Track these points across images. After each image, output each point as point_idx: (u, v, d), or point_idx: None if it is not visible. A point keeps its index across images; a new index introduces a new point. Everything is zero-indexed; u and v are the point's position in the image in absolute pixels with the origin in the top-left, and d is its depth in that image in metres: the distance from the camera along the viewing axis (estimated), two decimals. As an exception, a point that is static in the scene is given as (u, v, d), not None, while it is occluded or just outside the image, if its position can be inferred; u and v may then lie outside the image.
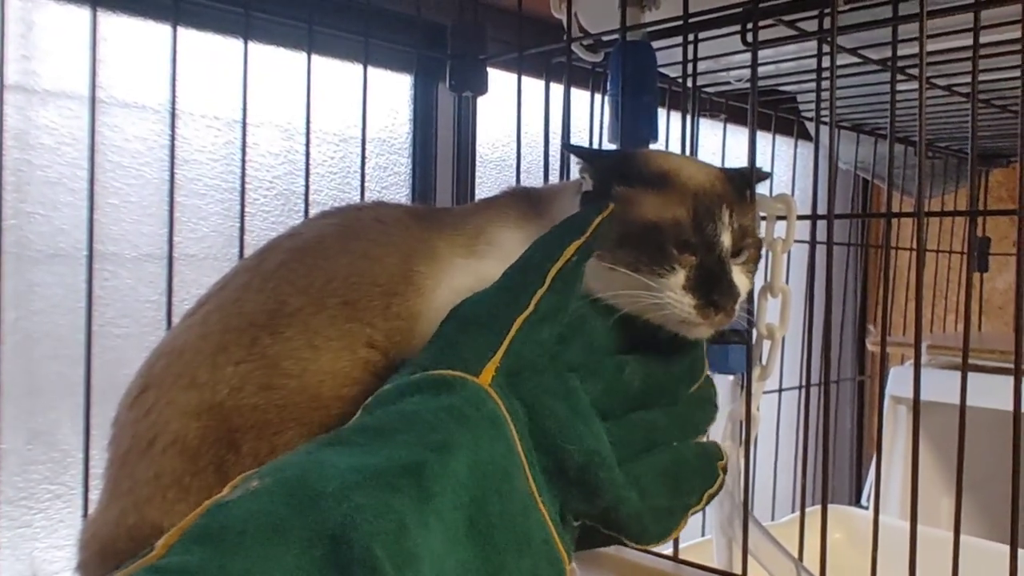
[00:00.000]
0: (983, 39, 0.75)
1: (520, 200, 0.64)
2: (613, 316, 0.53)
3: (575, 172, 0.64)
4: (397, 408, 0.44)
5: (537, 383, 0.47)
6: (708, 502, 0.53)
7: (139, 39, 1.03)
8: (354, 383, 0.54)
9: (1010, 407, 0.66)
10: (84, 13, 0.88)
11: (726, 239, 0.56)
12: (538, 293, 0.49)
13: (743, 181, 0.63)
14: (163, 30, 0.92)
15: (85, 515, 0.80)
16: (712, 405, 0.57)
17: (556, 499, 0.46)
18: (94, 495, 0.78)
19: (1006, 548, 0.68)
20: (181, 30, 0.88)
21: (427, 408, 0.43)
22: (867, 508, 1.59)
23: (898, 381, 1.56)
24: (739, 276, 0.58)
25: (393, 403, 0.45)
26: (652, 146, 0.88)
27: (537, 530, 0.44)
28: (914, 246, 0.69)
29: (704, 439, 0.57)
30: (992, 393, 0.85)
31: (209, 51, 1.07)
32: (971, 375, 0.72)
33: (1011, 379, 0.65)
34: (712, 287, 0.55)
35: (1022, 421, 0.65)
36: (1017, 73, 0.92)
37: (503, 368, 0.46)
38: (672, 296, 0.54)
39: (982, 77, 1.08)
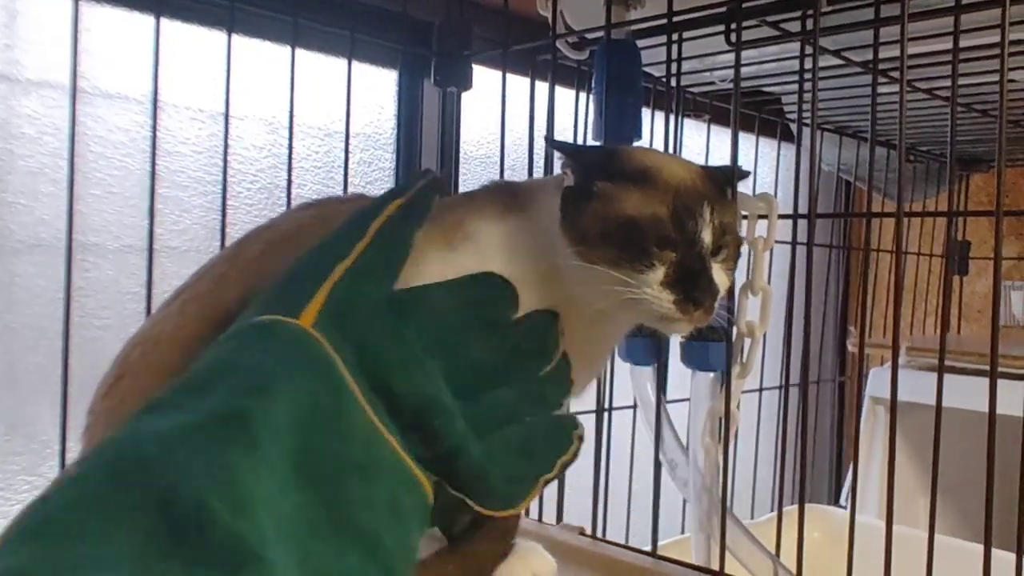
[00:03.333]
0: (964, 43, 0.75)
1: (500, 194, 0.65)
2: (462, 293, 0.54)
3: (559, 169, 0.64)
4: (214, 359, 0.44)
5: (364, 326, 0.47)
6: (562, 471, 0.53)
7: (123, 30, 1.02)
8: None
9: (986, 408, 0.66)
10: (67, 3, 0.87)
11: (706, 236, 0.57)
12: (358, 245, 0.49)
13: (724, 179, 0.63)
14: (147, 21, 0.92)
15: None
16: (565, 381, 0.57)
17: (403, 442, 0.46)
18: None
19: (980, 548, 0.68)
20: (165, 21, 0.88)
21: (244, 355, 0.43)
22: (846, 508, 1.60)
23: (877, 382, 1.57)
24: (719, 273, 0.58)
25: (212, 353, 0.45)
26: (636, 145, 0.88)
27: (386, 459, 0.44)
28: (894, 248, 0.70)
29: (562, 412, 0.57)
30: (970, 395, 0.86)
31: (193, 43, 1.07)
32: (949, 377, 0.73)
33: (988, 381, 0.65)
34: (691, 283, 0.55)
35: (996, 423, 0.66)
36: (997, 78, 0.93)
37: (326, 312, 0.46)
38: (650, 292, 0.55)
39: (964, 81, 1.09)
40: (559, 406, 0.57)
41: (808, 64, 0.75)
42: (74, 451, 0.79)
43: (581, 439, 0.55)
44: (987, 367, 0.65)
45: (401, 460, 0.45)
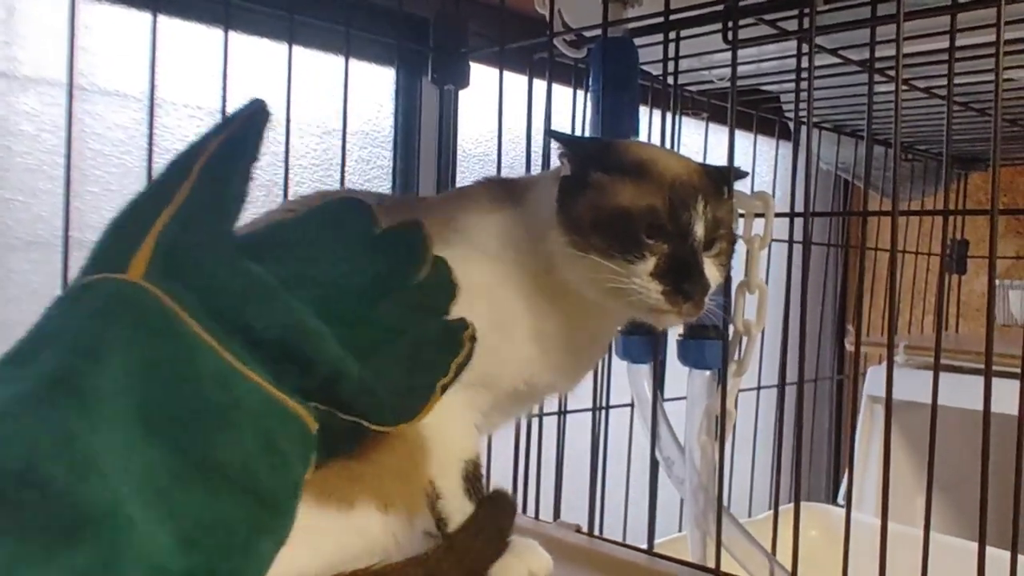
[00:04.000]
0: (960, 42, 0.75)
1: (494, 188, 0.65)
2: (316, 222, 0.53)
3: (556, 166, 0.64)
4: (39, 326, 0.42)
5: (204, 269, 0.46)
6: (458, 372, 0.53)
7: (120, 27, 1.02)
8: None
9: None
10: (65, 0, 0.87)
11: (699, 229, 0.57)
12: (183, 187, 0.47)
13: (721, 177, 0.63)
14: (144, 18, 0.91)
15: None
16: (448, 283, 0.56)
17: (271, 376, 0.45)
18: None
19: (976, 546, 0.68)
20: (162, 19, 0.87)
21: (70, 317, 0.42)
22: (843, 506, 1.60)
23: (876, 380, 1.57)
24: (711, 268, 0.58)
25: (40, 321, 0.43)
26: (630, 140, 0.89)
27: (250, 396, 0.43)
28: (891, 246, 0.70)
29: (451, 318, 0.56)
30: (968, 394, 0.86)
31: (190, 40, 1.07)
32: (947, 376, 0.73)
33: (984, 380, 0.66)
34: (682, 275, 0.55)
35: (992, 422, 0.66)
36: (994, 76, 0.93)
37: (157, 260, 0.44)
38: (639, 282, 0.55)
39: (961, 80, 1.09)
40: (446, 310, 0.55)
41: (805, 63, 0.75)
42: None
43: (473, 339, 0.54)
44: (984, 365, 0.65)
45: (267, 393, 0.44)
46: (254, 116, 0.51)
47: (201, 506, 0.39)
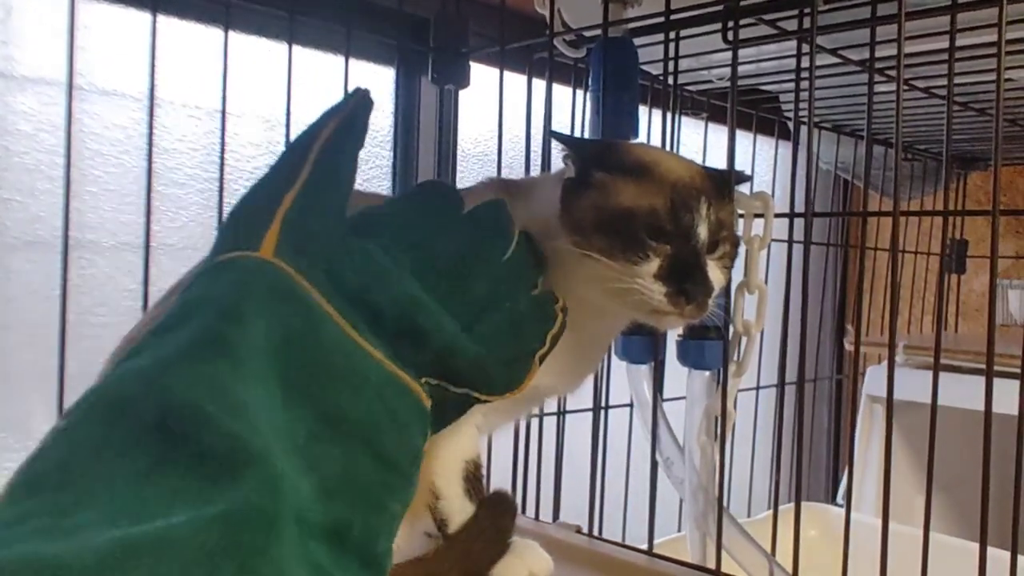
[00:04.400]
0: (961, 42, 0.75)
1: (497, 189, 0.65)
2: (412, 203, 0.54)
3: (556, 167, 0.64)
4: (180, 300, 0.44)
5: (326, 247, 0.48)
6: (553, 344, 0.55)
7: (119, 26, 1.02)
8: None
9: (983, 407, 0.66)
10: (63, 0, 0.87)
11: (702, 231, 0.57)
12: (304, 169, 0.49)
13: (723, 179, 0.63)
14: (143, 18, 0.91)
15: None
16: (532, 257, 0.57)
17: (388, 348, 0.47)
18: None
19: (976, 546, 0.68)
20: (161, 18, 0.87)
21: (209, 290, 0.43)
22: (842, 506, 1.60)
23: (875, 380, 1.57)
24: (714, 270, 0.58)
25: (179, 295, 0.45)
26: (633, 142, 0.88)
27: (371, 370, 0.45)
28: (891, 246, 0.70)
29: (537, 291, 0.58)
30: (967, 394, 0.86)
31: (190, 40, 1.06)
32: (946, 376, 0.73)
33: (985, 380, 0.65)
34: (685, 277, 0.55)
35: (992, 422, 0.66)
36: (994, 76, 0.93)
37: (284, 240, 0.46)
38: (642, 283, 0.55)
39: (961, 80, 1.09)
40: (535, 283, 0.57)
41: (805, 62, 0.75)
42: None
43: (564, 310, 0.56)
44: (983, 365, 0.65)
45: (388, 370, 0.46)
46: (361, 102, 0.53)
47: (337, 462, 0.41)
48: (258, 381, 0.39)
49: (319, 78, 1.17)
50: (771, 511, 0.84)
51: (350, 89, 0.95)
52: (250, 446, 0.35)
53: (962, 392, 0.83)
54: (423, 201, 0.56)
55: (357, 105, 0.53)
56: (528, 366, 0.54)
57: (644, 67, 0.97)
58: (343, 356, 0.44)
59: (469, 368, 0.50)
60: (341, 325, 0.45)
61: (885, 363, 1.70)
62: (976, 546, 0.66)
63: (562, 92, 1.03)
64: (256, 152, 1.16)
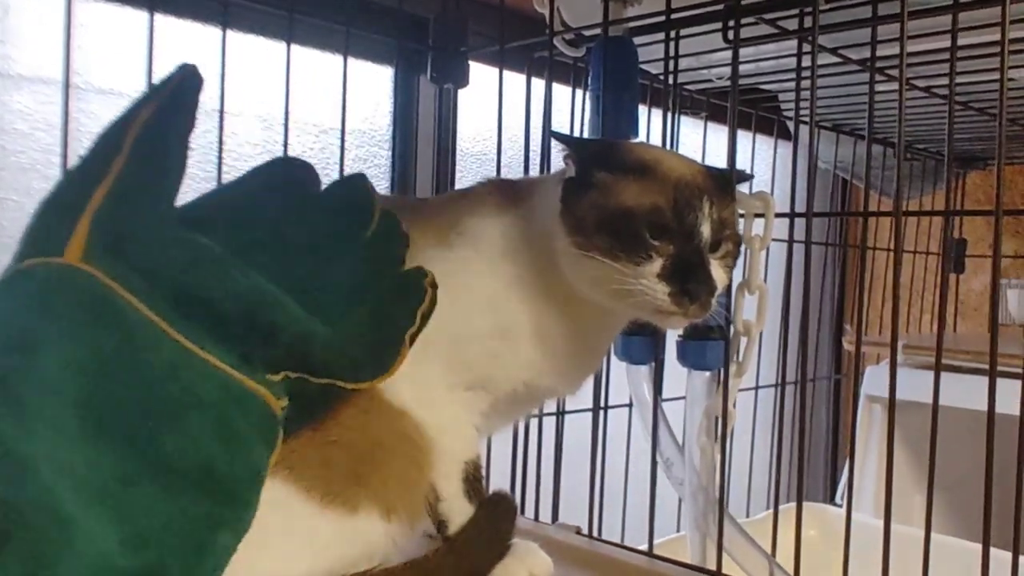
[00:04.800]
0: (962, 41, 0.75)
1: (497, 190, 0.64)
2: (258, 181, 0.51)
3: (556, 166, 0.64)
4: None
5: (146, 244, 0.43)
6: (424, 321, 0.51)
7: (116, 25, 1.01)
8: None
9: (983, 407, 0.66)
10: (60, -2, 0.86)
11: (705, 230, 0.56)
12: (116, 161, 0.44)
13: (725, 179, 0.63)
14: (140, 16, 0.91)
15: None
16: (398, 234, 0.54)
17: (233, 350, 0.43)
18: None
19: (977, 546, 0.68)
20: (158, 17, 0.87)
21: (7, 309, 0.39)
22: (841, 506, 1.60)
23: (873, 380, 1.57)
24: (717, 270, 0.58)
25: None
26: (633, 141, 0.88)
27: (203, 381, 0.41)
28: (891, 246, 0.70)
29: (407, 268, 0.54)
30: (966, 393, 0.85)
31: (187, 39, 1.06)
32: (945, 376, 0.73)
33: (984, 379, 0.65)
34: (688, 276, 0.55)
35: (995, 422, 0.65)
36: (995, 76, 0.92)
37: (95, 241, 0.42)
38: (646, 283, 0.54)
39: (961, 80, 1.08)
40: (401, 261, 0.54)
41: (806, 62, 0.75)
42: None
43: (434, 285, 0.52)
44: (983, 365, 0.65)
45: (227, 377, 0.41)
46: (185, 81, 0.49)
47: (151, 504, 0.37)
48: (51, 423, 0.35)
49: (318, 77, 1.16)
50: (770, 511, 0.84)
51: (349, 89, 0.96)
52: (24, 509, 0.32)
53: (961, 392, 0.83)
54: (268, 181, 0.52)
55: (180, 84, 0.48)
56: (398, 348, 0.49)
57: (644, 66, 0.97)
58: (164, 370, 0.40)
59: (327, 356, 0.46)
60: (165, 332, 0.41)
61: (884, 363, 1.70)
62: (973, 546, 0.66)
63: (562, 91, 1.02)
64: (254, 152, 1.16)
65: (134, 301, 0.41)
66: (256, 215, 0.49)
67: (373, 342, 0.48)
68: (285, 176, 0.52)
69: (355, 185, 0.53)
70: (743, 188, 0.71)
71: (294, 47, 0.91)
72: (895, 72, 0.67)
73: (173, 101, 0.48)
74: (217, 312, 0.43)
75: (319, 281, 0.49)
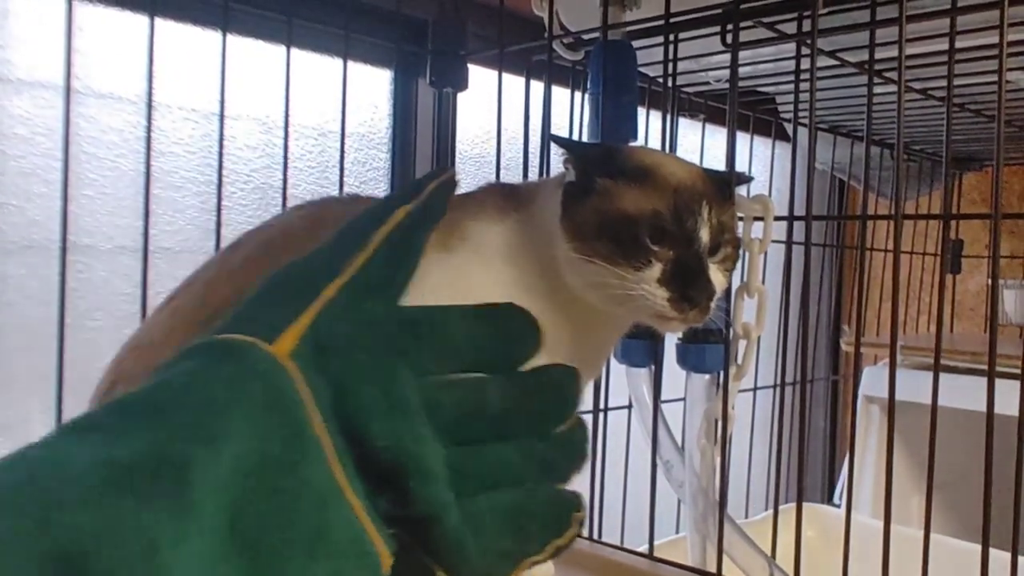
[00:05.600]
0: (959, 44, 0.75)
1: (498, 195, 0.64)
2: (486, 324, 0.47)
3: (555, 170, 0.64)
4: (166, 377, 0.37)
5: (349, 362, 0.40)
6: (554, 554, 0.45)
7: (116, 29, 1.01)
8: None
9: (980, 407, 0.66)
10: (60, 2, 0.86)
11: (704, 235, 0.57)
12: (358, 259, 0.42)
13: (723, 182, 0.63)
14: (140, 21, 0.91)
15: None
16: (580, 451, 0.48)
17: (361, 488, 0.40)
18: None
19: (976, 547, 0.69)
20: (159, 21, 0.87)
21: (201, 380, 0.37)
22: (839, 506, 1.61)
23: (871, 381, 1.58)
24: (716, 274, 0.58)
25: (165, 371, 0.38)
26: (632, 145, 0.88)
27: (340, 526, 0.38)
28: (889, 247, 0.70)
29: (564, 487, 0.48)
30: (963, 394, 0.86)
31: (187, 43, 1.06)
32: (942, 376, 0.73)
33: (981, 380, 0.66)
34: (688, 282, 0.55)
35: (995, 422, 0.66)
36: (993, 78, 0.93)
37: (309, 338, 0.39)
38: (646, 289, 0.54)
39: (957, 82, 1.09)
40: (566, 479, 0.49)
41: (804, 64, 0.75)
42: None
43: (581, 523, 0.47)
44: (980, 366, 0.65)
45: (358, 527, 0.39)
46: (442, 187, 0.47)
47: None
48: (202, 530, 0.33)
49: (317, 81, 1.17)
50: (769, 512, 0.84)
51: (348, 93, 0.96)
52: None
53: (957, 392, 0.83)
54: (498, 326, 0.47)
55: (440, 186, 0.47)
56: (513, 568, 0.44)
57: (642, 69, 0.97)
58: (314, 503, 0.37)
59: (446, 545, 0.42)
60: (327, 461, 0.38)
61: (881, 363, 1.70)
62: (971, 546, 0.67)
63: (561, 95, 1.02)
64: (253, 155, 1.16)
65: (315, 418, 0.38)
66: (465, 355, 0.45)
67: (496, 551, 0.44)
68: (510, 330, 0.48)
69: (569, 375, 0.48)
70: (742, 190, 0.72)
71: (294, 51, 0.91)
72: (893, 75, 0.67)
73: (427, 205, 0.46)
74: (371, 456, 0.40)
75: (484, 451, 0.44)
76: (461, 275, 0.57)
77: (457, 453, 0.43)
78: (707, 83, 1.23)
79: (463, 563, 0.42)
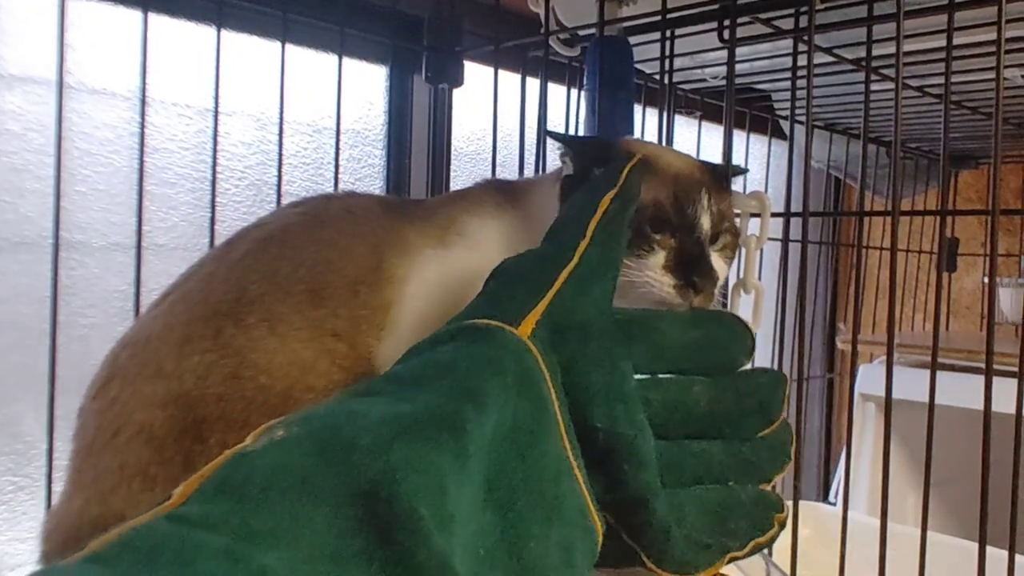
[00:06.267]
0: (956, 40, 0.75)
1: (495, 191, 0.64)
2: (697, 330, 0.49)
3: (551, 166, 0.63)
4: (430, 355, 0.41)
5: (580, 346, 0.44)
6: (753, 552, 0.47)
7: (109, 25, 1.01)
8: (320, 375, 0.53)
9: (976, 405, 0.66)
10: (52, -3, 0.86)
11: (705, 222, 0.57)
12: (581, 246, 0.46)
13: (720, 172, 0.63)
14: (134, 16, 0.91)
15: (48, 507, 0.78)
16: (784, 453, 0.51)
17: (584, 473, 0.43)
18: (58, 487, 0.76)
19: (972, 544, 0.68)
20: (152, 16, 0.86)
21: (462, 356, 0.40)
22: (835, 504, 1.60)
23: (867, 379, 1.58)
24: (717, 261, 0.58)
25: (426, 352, 0.42)
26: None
27: (570, 497, 0.40)
28: (885, 245, 0.70)
29: (768, 487, 0.51)
30: (959, 392, 0.86)
31: (181, 38, 1.06)
32: (938, 374, 0.73)
33: (977, 378, 0.66)
34: (691, 268, 0.55)
35: (991, 420, 0.66)
36: (989, 75, 0.93)
37: (545, 322, 0.43)
38: (652, 275, 0.54)
39: (954, 79, 1.09)
40: (769, 480, 0.50)
41: (801, 61, 0.75)
42: (61, 451, 0.78)
43: (783, 525, 0.49)
44: (976, 363, 0.65)
45: (583, 499, 0.41)
46: (634, 171, 0.50)
47: None
48: (473, 479, 0.36)
49: (312, 77, 1.16)
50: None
51: (343, 89, 0.95)
52: (433, 560, 0.32)
53: (953, 390, 0.83)
54: (711, 332, 0.50)
55: (633, 171, 0.50)
56: (715, 561, 0.46)
57: (639, 65, 0.97)
58: (552, 473, 0.40)
59: (651, 531, 0.44)
60: (562, 434, 0.41)
61: (876, 361, 1.70)
62: (967, 544, 0.67)
63: (557, 91, 1.02)
64: (247, 151, 1.15)
65: (553, 394, 0.41)
66: (678, 357, 0.48)
67: (699, 542, 0.46)
68: (723, 337, 0.50)
69: (777, 380, 0.50)
70: (738, 186, 0.71)
71: (288, 46, 0.91)
72: (890, 72, 0.67)
73: (627, 190, 0.49)
74: (589, 435, 0.43)
75: (692, 446, 0.47)
76: (460, 270, 0.57)
77: (663, 446, 0.46)
78: (703, 80, 1.23)
79: (666, 549, 0.44)
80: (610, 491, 0.43)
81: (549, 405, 0.41)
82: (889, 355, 0.73)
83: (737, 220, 0.72)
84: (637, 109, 0.92)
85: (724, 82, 0.78)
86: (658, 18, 0.83)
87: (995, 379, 0.66)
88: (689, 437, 0.47)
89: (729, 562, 0.47)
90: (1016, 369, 0.64)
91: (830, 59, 0.97)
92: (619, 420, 0.43)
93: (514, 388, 0.39)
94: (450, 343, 0.42)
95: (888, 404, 0.72)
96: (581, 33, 0.96)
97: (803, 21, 0.77)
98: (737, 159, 0.81)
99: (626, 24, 0.88)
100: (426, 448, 0.34)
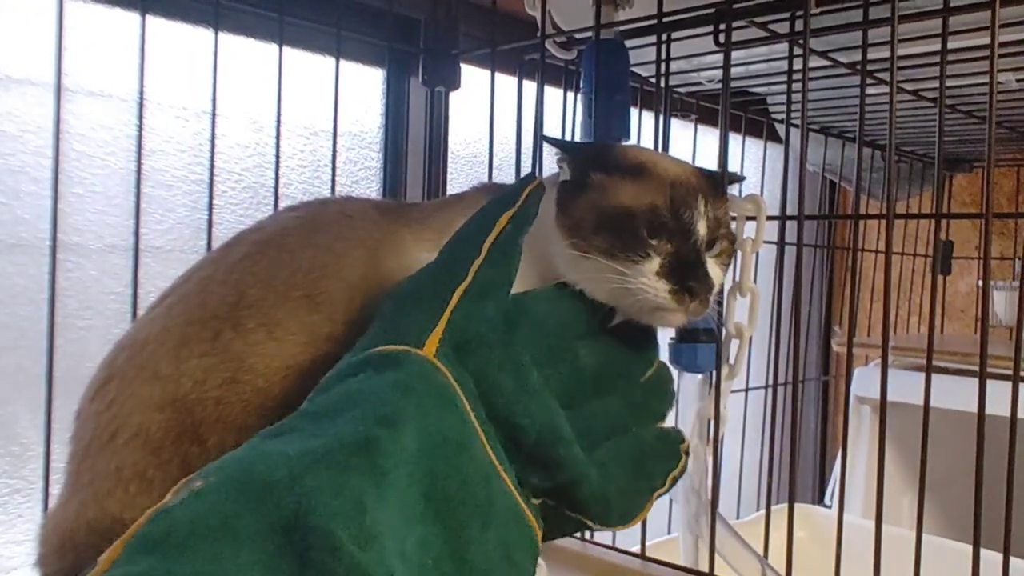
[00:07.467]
0: (951, 45, 0.75)
1: (491, 195, 0.64)
2: (564, 301, 0.53)
3: (548, 170, 0.64)
4: (340, 389, 0.43)
5: (484, 356, 0.46)
6: (673, 484, 0.53)
7: (107, 27, 1.01)
8: (318, 379, 0.54)
9: (970, 408, 0.67)
10: (49, 0, 0.86)
11: (701, 228, 0.57)
12: (475, 264, 0.48)
13: (716, 178, 0.63)
14: (132, 18, 0.90)
15: (45, 510, 0.78)
16: (668, 390, 0.56)
17: (514, 472, 0.45)
18: (55, 490, 0.76)
19: (967, 547, 0.69)
20: (150, 19, 0.87)
21: (371, 385, 0.42)
22: (830, 507, 1.61)
23: (862, 381, 1.58)
24: (713, 267, 0.58)
25: (336, 386, 0.43)
26: (625, 143, 0.88)
27: (501, 498, 0.43)
28: (880, 248, 0.70)
29: (664, 424, 0.56)
30: (953, 394, 0.86)
31: (178, 41, 1.06)
32: (933, 377, 0.73)
33: (971, 380, 0.66)
34: (687, 274, 0.55)
35: (985, 423, 0.66)
36: (983, 79, 0.93)
37: (447, 340, 0.45)
38: (646, 282, 0.54)
39: (948, 83, 1.09)
40: (663, 417, 0.56)
41: (796, 65, 0.75)
42: (58, 453, 0.78)
43: (687, 453, 0.54)
44: (970, 366, 0.66)
45: (515, 501, 0.44)
46: (532, 194, 0.52)
47: None
48: (398, 496, 0.37)
49: (309, 79, 1.16)
50: (761, 512, 0.84)
51: (340, 92, 0.96)
52: (357, 571, 0.34)
53: (947, 393, 0.83)
54: (572, 303, 0.54)
55: (531, 194, 0.52)
56: (644, 503, 0.51)
57: (635, 69, 0.97)
58: (482, 479, 0.42)
59: (591, 499, 0.48)
60: (483, 443, 0.43)
61: (871, 364, 1.71)
62: (962, 546, 0.67)
63: (553, 94, 1.02)
64: (244, 154, 1.15)
65: (467, 405, 0.43)
66: (560, 336, 0.51)
67: (628, 491, 0.50)
68: (584, 304, 0.54)
69: (644, 328, 0.55)
70: (734, 190, 0.72)
71: (285, 49, 0.91)
72: (885, 75, 0.67)
73: (523, 212, 0.51)
74: (518, 436, 0.45)
75: (593, 416, 0.51)
76: None
77: (572, 416, 0.49)
78: (699, 83, 1.24)
79: (608, 510, 0.49)
80: (549, 477, 0.46)
81: (466, 416, 0.43)
82: (884, 358, 0.74)
83: (733, 224, 0.72)
84: (633, 112, 0.92)
85: (720, 85, 0.78)
86: (654, 22, 0.83)
87: (989, 382, 0.66)
88: (588, 399, 0.51)
89: (657, 499, 0.52)
90: (1010, 372, 0.64)
91: (825, 63, 0.98)
92: (538, 412, 0.46)
93: (431, 405, 0.41)
94: (360, 374, 0.43)
95: (883, 407, 0.73)
96: (577, 36, 0.96)
97: (799, 25, 0.78)
98: (733, 162, 0.81)
99: (622, 27, 0.88)
100: (338, 473, 0.36)
